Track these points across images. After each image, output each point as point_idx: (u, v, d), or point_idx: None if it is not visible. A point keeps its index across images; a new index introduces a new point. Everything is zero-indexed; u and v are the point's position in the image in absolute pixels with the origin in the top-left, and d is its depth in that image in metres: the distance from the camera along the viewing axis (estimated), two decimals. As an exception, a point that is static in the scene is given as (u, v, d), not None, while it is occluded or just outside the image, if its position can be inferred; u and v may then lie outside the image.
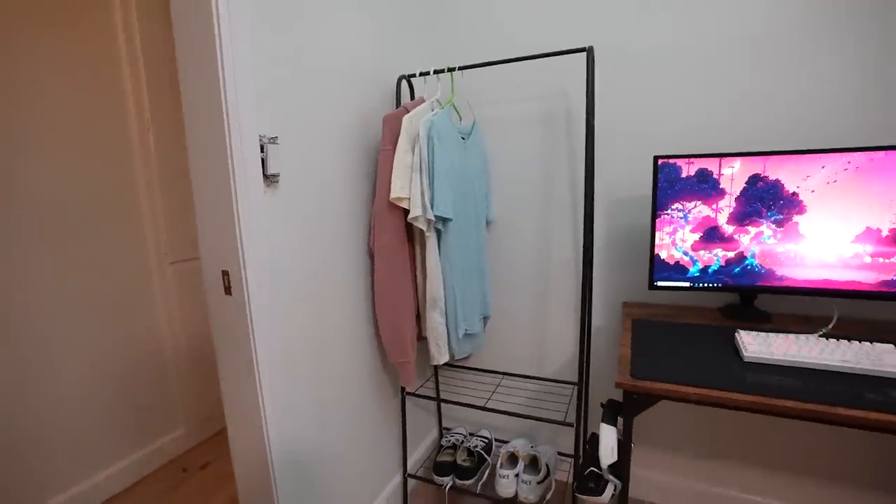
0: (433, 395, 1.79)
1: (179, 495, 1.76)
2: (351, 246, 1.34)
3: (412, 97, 1.56)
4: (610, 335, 1.58)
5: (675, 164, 1.21)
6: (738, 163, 1.17)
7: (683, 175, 1.21)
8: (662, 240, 1.25)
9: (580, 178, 1.52)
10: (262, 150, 1.02)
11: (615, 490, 1.04)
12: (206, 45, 0.93)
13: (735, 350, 1.05)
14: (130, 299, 1.80)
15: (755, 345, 1.02)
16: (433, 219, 1.26)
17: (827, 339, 1.04)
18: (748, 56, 1.28)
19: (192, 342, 2.06)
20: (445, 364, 1.80)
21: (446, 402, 1.54)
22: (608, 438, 0.99)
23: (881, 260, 1.09)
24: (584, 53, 1.27)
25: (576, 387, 1.62)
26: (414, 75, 1.46)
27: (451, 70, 1.40)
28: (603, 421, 1.02)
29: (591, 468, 1.05)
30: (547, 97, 1.53)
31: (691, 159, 1.20)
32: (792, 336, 1.05)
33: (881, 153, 1.06)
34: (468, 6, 1.60)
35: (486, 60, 1.37)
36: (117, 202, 1.75)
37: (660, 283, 1.27)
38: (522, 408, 1.72)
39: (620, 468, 1.02)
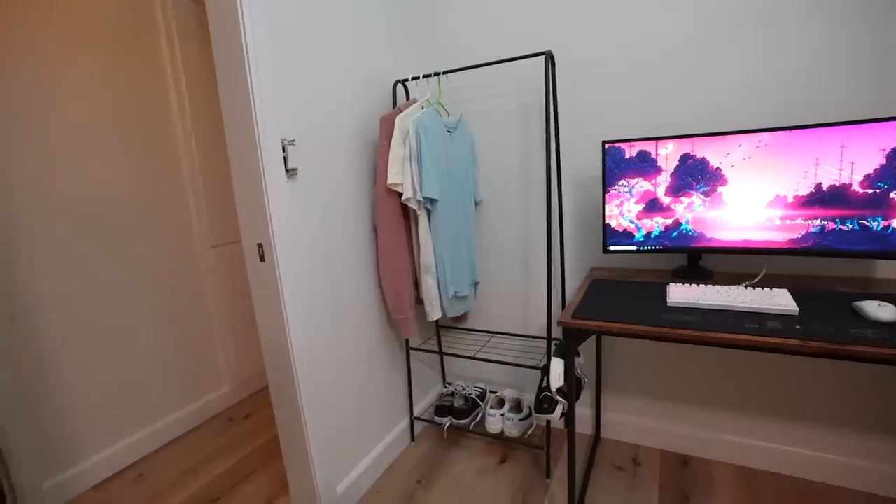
0: (436, 349, 2.09)
1: (228, 439, 2.13)
2: (358, 223, 1.64)
3: (407, 98, 1.84)
4: (583, 297, 1.84)
5: (619, 147, 1.45)
6: (671, 144, 1.40)
7: (627, 156, 1.45)
8: (612, 211, 1.50)
9: (553, 161, 1.77)
10: (283, 150, 1.33)
11: (563, 408, 1.31)
12: (238, 72, 1.24)
13: (665, 298, 1.30)
14: (181, 277, 2.17)
15: (678, 294, 1.26)
16: (422, 200, 1.55)
17: (746, 288, 1.27)
18: (681, 57, 1.49)
19: (233, 312, 2.42)
20: (445, 326, 2.10)
21: (446, 354, 1.84)
22: (556, 368, 1.27)
23: (788, 222, 1.31)
24: (544, 57, 1.51)
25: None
26: (407, 80, 1.74)
27: (436, 74, 1.67)
28: (553, 355, 1.29)
29: (546, 392, 1.33)
30: (523, 93, 1.78)
31: (632, 143, 1.43)
32: (716, 286, 1.29)
33: (785, 133, 1.27)
34: (452, 20, 1.85)
35: (466, 65, 1.62)
36: (167, 196, 2.10)
37: (611, 248, 1.52)
38: (508, 359, 2.00)
39: (569, 391, 1.30)
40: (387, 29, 1.77)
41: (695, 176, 1.39)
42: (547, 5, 1.67)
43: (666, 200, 1.44)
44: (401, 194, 1.58)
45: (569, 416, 1.31)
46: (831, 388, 1.53)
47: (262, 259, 1.35)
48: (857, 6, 1.30)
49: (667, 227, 1.46)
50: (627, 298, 1.33)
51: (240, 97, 1.26)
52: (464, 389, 1.99)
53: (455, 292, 1.70)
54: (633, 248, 1.51)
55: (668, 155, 1.41)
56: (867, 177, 1.21)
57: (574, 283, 1.84)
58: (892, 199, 1.20)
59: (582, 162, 1.72)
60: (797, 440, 1.60)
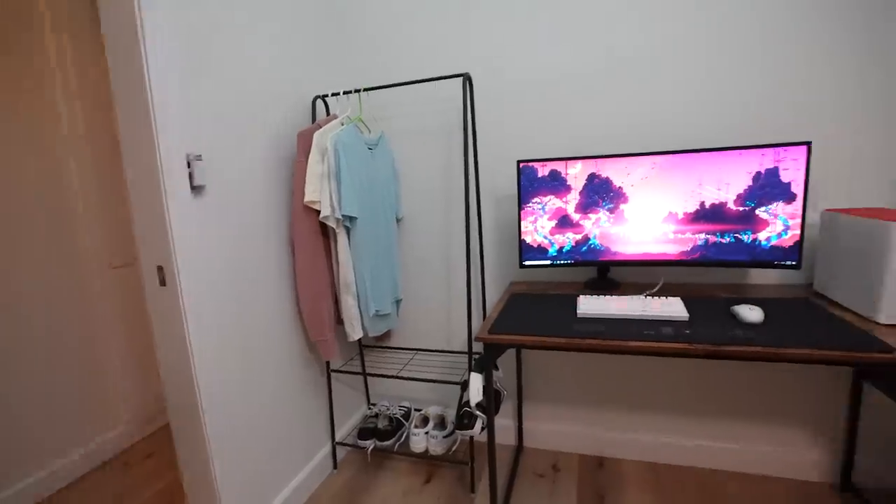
0: (359, 370, 2.03)
1: (125, 483, 1.90)
2: (274, 242, 1.57)
3: (328, 114, 1.81)
4: (504, 310, 1.89)
5: (533, 166, 1.53)
6: (579, 164, 1.50)
7: (540, 175, 1.53)
8: (527, 228, 1.57)
9: (472, 179, 1.82)
10: (188, 166, 1.24)
11: (483, 423, 1.33)
12: (135, 77, 1.14)
13: (576, 310, 1.37)
14: (67, 301, 1.93)
15: (587, 305, 1.34)
16: (341, 217, 1.52)
17: (646, 297, 1.38)
18: (590, 85, 1.62)
19: (134, 340, 2.19)
20: (368, 345, 2.06)
21: (370, 375, 1.79)
22: (475, 383, 1.29)
23: (679, 236, 1.45)
24: (462, 79, 1.57)
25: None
26: (327, 95, 1.71)
27: (357, 91, 1.66)
28: (472, 370, 1.31)
29: (465, 408, 1.34)
30: (444, 112, 1.82)
31: (545, 162, 1.52)
32: (621, 297, 1.39)
33: (674, 156, 1.42)
34: (376, 37, 1.86)
35: (388, 83, 1.63)
36: (52, 212, 1.87)
37: (527, 263, 1.59)
38: (432, 377, 2.00)
39: (488, 405, 1.32)
40: (307, 43, 1.73)
41: (601, 194, 1.50)
42: (469, 29, 1.74)
43: (576, 217, 1.53)
44: (319, 212, 1.54)
45: (489, 430, 1.33)
46: (718, 383, 1.70)
47: (162, 283, 1.24)
48: (731, 49, 1.49)
49: (577, 242, 1.55)
50: (542, 311, 1.38)
51: (137, 106, 1.16)
52: (388, 409, 1.95)
53: (377, 310, 1.67)
54: (548, 262, 1.58)
55: (576, 174, 1.51)
56: (739, 196, 1.38)
57: (495, 298, 1.89)
58: (758, 215, 1.37)
59: (500, 180, 1.79)
60: (692, 434, 1.75)
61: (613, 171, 1.48)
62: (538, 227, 1.56)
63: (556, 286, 1.67)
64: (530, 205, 1.55)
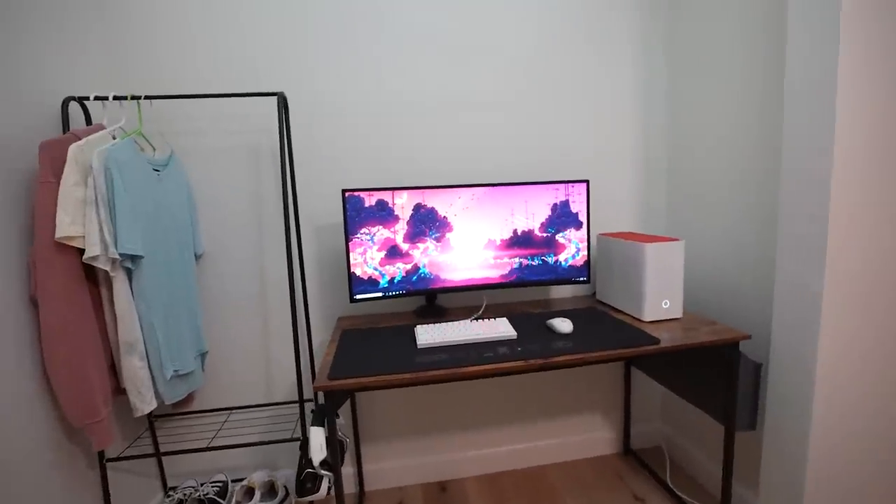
0: (150, 451, 1.59)
1: None
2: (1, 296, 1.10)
3: (88, 123, 1.40)
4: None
5: (359, 196, 1.46)
6: (405, 194, 1.50)
7: (367, 205, 1.47)
8: (356, 259, 1.49)
9: (290, 208, 1.64)
10: None
11: (330, 481, 1.18)
12: None
13: (415, 341, 1.34)
14: None
15: (425, 335, 1.33)
16: (118, 257, 1.17)
17: (475, 321, 1.44)
18: (418, 116, 1.67)
19: None
20: (164, 414, 1.63)
21: (167, 454, 1.40)
22: (316, 438, 1.13)
23: (498, 261, 1.59)
24: (276, 98, 1.41)
25: (301, 403, 1.72)
26: (87, 98, 1.32)
27: (136, 98, 1.33)
28: (312, 424, 1.15)
29: (307, 470, 1.16)
30: (254, 132, 1.61)
31: (371, 192, 1.47)
32: (454, 323, 1.42)
33: (490, 188, 1.55)
34: (162, 34, 1.54)
35: (183, 93, 1.35)
36: None
37: (359, 297, 1.50)
38: (253, 438, 1.71)
39: (333, 461, 1.17)
40: (60, 26, 1.31)
41: (427, 224, 1.53)
42: (284, 48, 1.58)
43: (405, 247, 1.52)
44: (81, 251, 1.15)
45: (337, 488, 1.17)
46: (536, 389, 1.91)
47: None
48: (538, 98, 1.72)
49: (407, 272, 1.54)
50: (381, 346, 1.31)
51: None
52: (197, 490, 1.57)
53: (175, 370, 1.34)
54: (380, 294, 1.53)
55: (403, 204, 1.50)
56: (542, 224, 1.59)
57: (323, 337, 1.73)
58: (558, 240, 1.60)
59: (322, 209, 1.67)
60: (521, 438, 1.92)
61: (438, 202, 1.53)
62: (368, 258, 1.50)
63: (387, 318, 1.62)
64: (358, 235, 1.48)
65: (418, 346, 1.29)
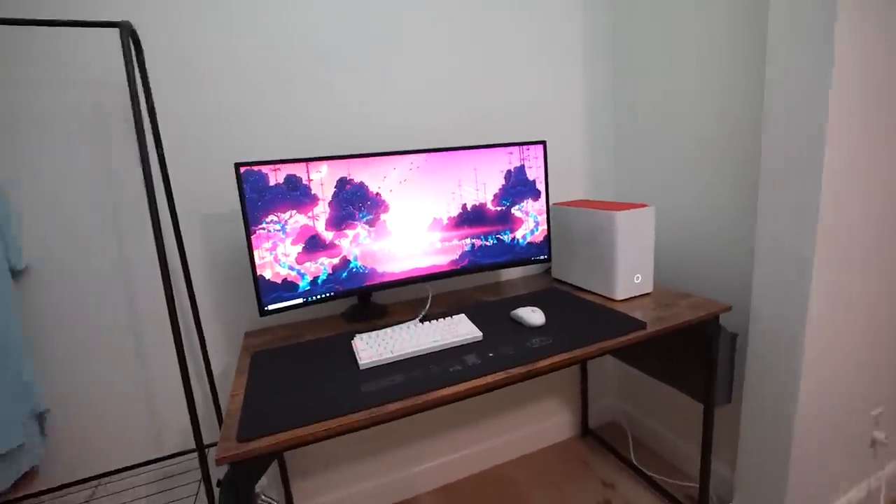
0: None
1: None
2: None
3: None
4: (242, 372, 1.35)
5: (259, 171, 1.07)
6: (324, 167, 1.14)
7: (272, 183, 1.09)
8: (264, 258, 1.10)
9: (161, 192, 1.19)
10: None
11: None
12: None
13: (354, 359, 1.02)
14: None
15: (368, 350, 1.01)
16: None
17: (423, 321, 1.15)
18: (333, 64, 1.27)
19: None
20: (-11, 502, 1.13)
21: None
22: (229, 526, 0.77)
23: (447, 244, 1.30)
24: (120, 31, 0.95)
25: (200, 455, 1.32)
26: None
27: None
28: (220, 506, 0.79)
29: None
30: (87, 86, 1.11)
31: (277, 165, 1.09)
32: (401, 327, 1.11)
33: (435, 155, 1.24)
34: None
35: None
36: None
37: (271, 307, 1.13)
38: (142, 507, 1.28)
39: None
40: None
41: (356, 203, 1.18)
42: (103, -44, 1.08)
43: (328, 236, 1.17)
44: None
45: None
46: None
47: None
48: (482, 47, 1.41)
49: (335, 268, 1.19)
50: (309, 373, 0.97)
51: None
52: None
53: (-12, 453, 0.87)
54: (300, 300, 1.17)
55: (322, 180, 1.14)
56: (495, 196, 1.33)
57: (224, 361, 1.32)
58: (514, 214, 1.36)
59: (209, 192, 1.23)
60: (479, 438, 1.70)
61: (368, 175, 1.19)
62: (280, 255, 1.12)
63: (311, 326, 1.27)
64: (264, 225, 1.09)
65: (361, 367, 0.97)
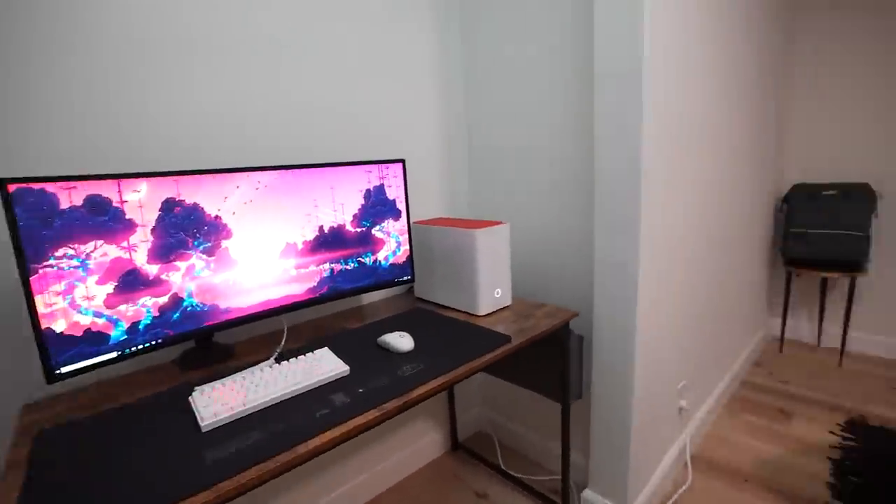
0: None
1: None
2: None
3: None
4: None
5: (43, 190, 0.81)
6: (143, 185, 0.92)
7: (65, 206, 0.84)
8: (53, 304, 0.84)
9: None
10: None
11: None
12: None
13: (194, 420, 0.83)
14: None
15: (211, 406, 0.84)
16: None
17: (280, 361, 1.01)
18: (157, 62, 1.04)
19: None
20: None
21: None
22: None
23: (303, 270, 1.18)
24: None
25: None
26: None
27: None
28: None
29: None
30: None
31: (72, 183, 0.84)
32: (251, 371, 0.95)
33: (288, 172, 1.11)
34: None
35: None
36: None
37: (67, 369, 0.86)
38: None
39: None
40: None
41: (189, 229, 0.99)
42: None
43: (152, 270, 0.95)
44: None
45: None
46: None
47: None
48: (340, 57, 1.31)
49: (163, 309, 0.97)
50: (128, 451, 0.76)
51: None
52: None
53: None
54: (114, 354, 0.92)
55: (142, 201, 0.92)
56: (355, 216, 1.25)
57: (-5, 444, 0.97)
58: (375, 235, 1.30)
59: (-46, 220, 0.89)
60: (352, 473, 1.57)
61: (204, 196, 1.01)
62: (80, 298, 0.87)
63: (128, 384, 1.01)
64: (52, 262, 0.83)
65: (204, 430, 0.80)
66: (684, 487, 1.61)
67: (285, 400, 0.88)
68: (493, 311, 1.34)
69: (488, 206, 1.74)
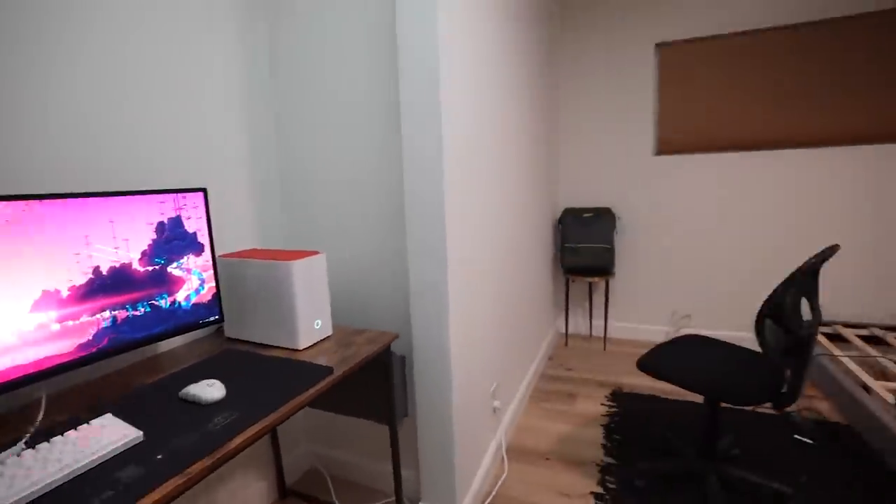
0: None
1: None
2: None
3: None
4: None
5: None
6: None
7: None
8: None
9: None
10: None
11: None
12: None
13: None
14: None
15: (-79, 522, 0.62)
16: None
17: (35, 444, 0.81)
18: None
19: None
20: None
21: None
22: None
23: (70, 323, 0.96)
24: None
25: None
26: None
27: None
28: None
29: None
30: None
31: None
32: (16, 458, 0.73)
33: (44, 203, 0.90)
34: None
35: None
36: None
37: None
38: None
39: None
40: None
41: None
42: None
43: None
44: None
45: None
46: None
47: None
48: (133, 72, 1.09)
49: None
50: None
51: None
52: None
53: None
54: None
55: None
56: (145, 254, 1.08)
57: None
58: (171, 273, 1.14)
59: None
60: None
61: None
62: None
63: None
64: None
65: None
66: (503, 478, 1.81)
67: (47, 493, 0.70)
68: (315, 343, 1.31)
69: (305, 236, 1.70)
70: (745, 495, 1.65)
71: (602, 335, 3.32)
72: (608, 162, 3.13)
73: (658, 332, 3.19)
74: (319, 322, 1.32)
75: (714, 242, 2.96)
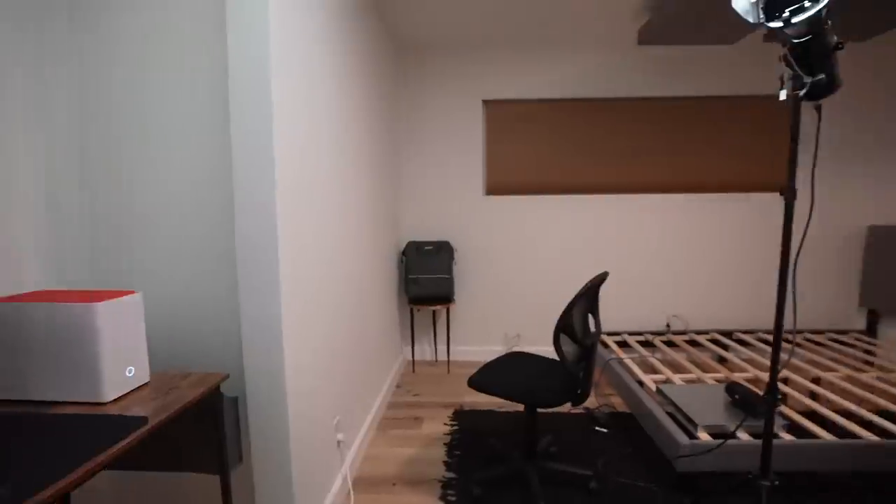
0: None
1: None
2: None
3: None
4: None
5: None
6: None
7: None
8: None
9: None
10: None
11: None
12: None
13: None
14: None
15: None
16: None
17: None
18: None
19: None
20: None
21: None
22: None
23: None
24: None
25: None
26: None
27: None
28: None
29: None
30: None
31: None
32: None
33: None
34: None
35: None
36: None
37: None
38: None
39: None
40: None
41: None
42: None
43: None
44: None
45: None
46: None
47: None
48: None
49: None
50: None
51: None
52: None
53: None
54: None
55: None
56: None
57: None
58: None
59: None
60: None
61: None
62: None
63: None
64: None
65: None
66: (347, 513, 1.80)
67: None
68: (127, 393, 1.17)
69: (116, 274, 1.51)
70: (562, 485, 1.94)
71: (446, 359, 3.54)
72: (446, 199, 3.45)
73: (495, 352, 3.55)
74: (132, 369, 1.19)
75: (534, 270, 3.46)
